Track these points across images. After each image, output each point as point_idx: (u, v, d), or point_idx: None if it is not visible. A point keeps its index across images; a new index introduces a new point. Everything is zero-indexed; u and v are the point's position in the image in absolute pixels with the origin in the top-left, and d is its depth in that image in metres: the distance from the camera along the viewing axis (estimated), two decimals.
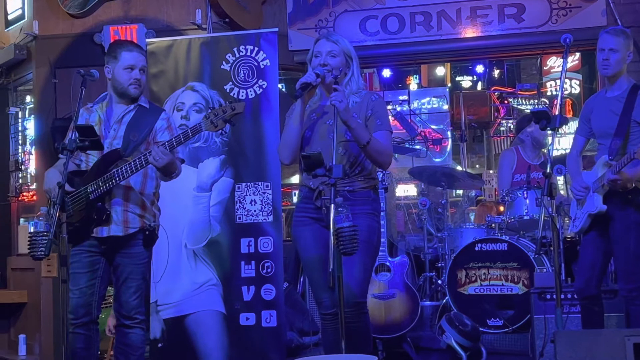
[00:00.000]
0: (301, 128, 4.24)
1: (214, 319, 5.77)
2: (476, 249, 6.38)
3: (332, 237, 3.70)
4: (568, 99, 12.70)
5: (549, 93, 13.46)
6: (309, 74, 4.17)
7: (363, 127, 4.14)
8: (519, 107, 12.92)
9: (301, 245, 4.31)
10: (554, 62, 13.53)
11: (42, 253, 3.90)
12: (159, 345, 5.82)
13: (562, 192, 6.98)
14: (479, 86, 14.11)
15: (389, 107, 11.21)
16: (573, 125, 10.55)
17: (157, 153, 4.21)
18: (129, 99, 4.56)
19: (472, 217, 9.16)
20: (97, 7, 7.53)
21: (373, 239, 4.23)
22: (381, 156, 4.20)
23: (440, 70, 13.67)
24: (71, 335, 4.33)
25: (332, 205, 3.73)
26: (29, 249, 3.97)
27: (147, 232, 4.48)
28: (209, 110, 4.26)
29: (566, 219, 6.30)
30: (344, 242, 3.67)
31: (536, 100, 12.55)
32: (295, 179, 13.65)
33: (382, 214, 6.09)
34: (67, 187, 4.19)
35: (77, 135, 4.13)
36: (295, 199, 13.14)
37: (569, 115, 12.06)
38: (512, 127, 12.75)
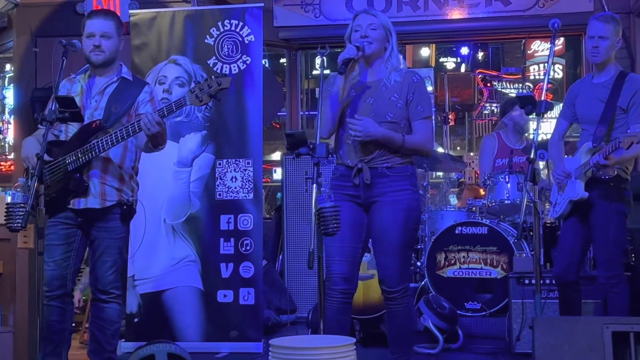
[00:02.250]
0: (341, 103, 4.22)
1: (191, 295, 5.74)
2: (456, 232, 6.38)
3: (313, 218, 3.68)
4: (549, 84, 12.74)
5: (532, 77, 13.49)
6: (349, 49, 4.16)
7: (392, 135, 4.13)
8: (502, 90, 12.94)
9: None
10: (537, 47, 13.58)
11: (19, 224, 3.85)
12: (135, 320, 5.78)
13: (543, 176, 6.97)
14: (463, 68, 14.12)
15: None
16: (555, 111, 10.58)
17: (150, 120, 4.15)
18: (101, 68, 4.49)
19: (452, 200, 9.17)
20: None
21: (412, 220, 4.21)
22: (419, 151, 4.27)
23: (425, 51, 13.66)
24: (45, 308, 4.29)
25: (315, 185, 3.71)
26: (5, 220, 3.91)
27: (124, 207, 4.43)
28: (193, 85, 4.22)
29: (547, 204, 6.31)
30: (325, 223, 3.65)
31: (520, 84, 12.57)
32: (276, 155, 13.63)
33: None
34: (46, 157, 4.13)
35: (57, 106, 4.06)
36: (275, 176, 13.14)
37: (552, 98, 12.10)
38: (495, 110, 12.78)
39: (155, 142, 4.34)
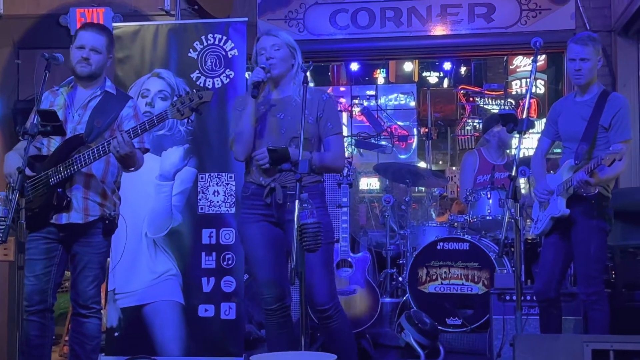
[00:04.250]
0: (254, 125, 4.26)
1: (172, 309, 5.71)
2: (438, 247, 6.40)
3: (295, 233, 3.69)
4: (533, 99, 12.80)
5: (514, 92, 13.55)
6: (257, 72, 4.21)
7: (304, 161, 4.12)
8: (485, 106, 12.99)
9: (248, 242, 4.32)
10: (520, 62, 13.64)
11: (0, 238, 3.82)
12: (115, 334, 5.74)
13: (524, 191, 6.99)
14: (446, 83, 14.17)
15: (356, 101, 11.25)
16: (538, 126, 10.63)
17: (120, 142, 4.14)
18: (85, 80, 4.47)
19: (433, 215, 9.19)
20: None
21: (329, 237, 4.27)
22: (329, 168, 4.35)
23: (408, 66, 13.70)
24: (25, 322, 4.25)
25: (297, 201, 3.72)
26: None
27: (106, 221, 4.41)
28: (175, 98, 4.20)
29: (528, 220, 6.33)
30: (307, 239, 3.66)
31: (502, 101, 12.62)
32: None
33: (346, 209, 6.08)
34: (28, 172, 4.11)
35: (39, 119, 4.04)
36: None
37: (534, 116, 12.15)
38: (477, 126, 12.82)
39: (125, 164, 4.34)
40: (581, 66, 4.77)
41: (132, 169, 4.41)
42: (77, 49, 4.44)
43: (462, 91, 12.92)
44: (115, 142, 4.14)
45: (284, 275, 4.21)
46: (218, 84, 5.87)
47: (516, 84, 13.72)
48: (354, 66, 11.01)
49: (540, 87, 13.44)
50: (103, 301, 4.84)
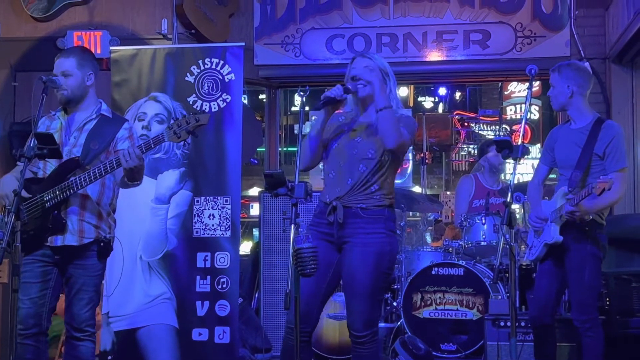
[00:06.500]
0: (320, 138, 4.20)
1: (166, 333, 5.70)
2: (432, 272, 6.39)
3: (290, 258, 3.68)
4: (526, 126, 12.85)
5: (509, 118, 13.60)
6: (336, 88, 4.10)
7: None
8: (480, 132, 13.02)
9: None
10: (514, 87, 13.70)
11: None
12: (109, 357, 5.73)
13: (518, 222, 6.99)
14: (441, 108, 14.23)
15: None
16: (532, 152, 10.64)
17: (130, 153, 4.13)
18: (72, 105, 4.48)
19: (429, 239, 9.20)
20: (62, 12, 7.46)
21: (383, 264, 4.11)
22: (390, 127, 4.05)
23: (403, 91, 13.74)
24: (19, 346, 4.23)
25: (292, 226, 3.71)
26: None
27: (102, 244, 4.40)
28: (172, 121, 4.21)
29: (522, 246, 6.34)
30: (302, 264, 3.64)
31: (497, 126, 12.67)
32: (253, 191, 13.64)
33: None
34: (24, 194, 4.11)
35: (36, 142, 4.05)
36: (252, 211, 13.14)
37: (526, 141, 12.20)
38: (472, 151, 12.86)
39: (132, 177, 4.32)
40: (551, 93, 4.87)
41: (137, 183, 4.41)
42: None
43: (457, 116, 12.95)
44: (125, 152, 4.13)
45: (316, 299, 4.15)
46: (215, 108, 5.90)
47: (511, 110, 13.77)
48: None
49: (534, 113, 13.49)
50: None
